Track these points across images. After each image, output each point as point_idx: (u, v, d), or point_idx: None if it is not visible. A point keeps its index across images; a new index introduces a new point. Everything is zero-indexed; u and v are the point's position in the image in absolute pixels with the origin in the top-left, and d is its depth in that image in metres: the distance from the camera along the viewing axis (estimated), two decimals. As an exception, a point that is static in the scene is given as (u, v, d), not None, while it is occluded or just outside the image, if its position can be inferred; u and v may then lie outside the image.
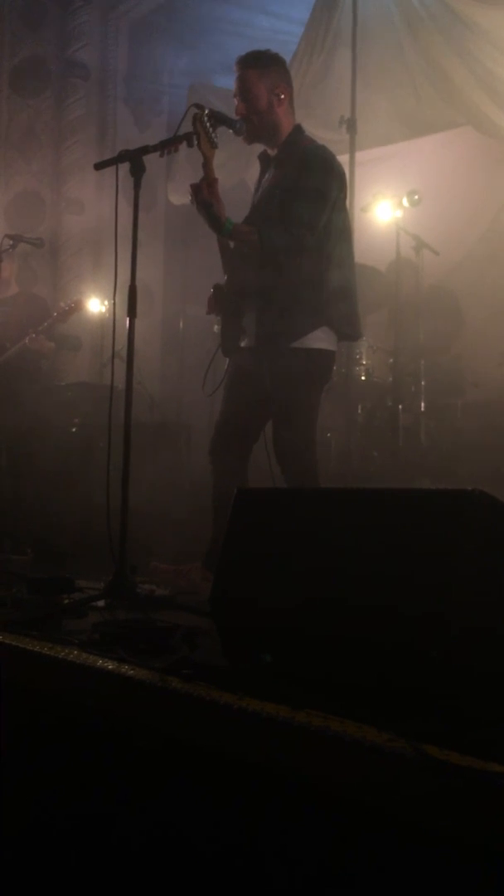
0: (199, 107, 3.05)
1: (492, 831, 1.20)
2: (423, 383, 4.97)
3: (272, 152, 3.25)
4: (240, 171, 5.56)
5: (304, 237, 3.02)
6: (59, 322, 5.32)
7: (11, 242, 5.00)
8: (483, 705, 1.54)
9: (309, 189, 3.06)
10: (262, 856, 1.48)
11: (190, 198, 3.09)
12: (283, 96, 3.17)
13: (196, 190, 3.03)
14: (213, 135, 3.02)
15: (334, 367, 4.83)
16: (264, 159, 3.31)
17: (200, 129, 2.99)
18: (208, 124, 3.01)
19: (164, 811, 1.66)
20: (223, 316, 3.29)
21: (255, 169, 3.42)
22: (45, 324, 5.23)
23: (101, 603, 2.64)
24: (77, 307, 5.38)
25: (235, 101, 3.18)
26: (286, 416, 3.12)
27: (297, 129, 3.22)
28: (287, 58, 5.58)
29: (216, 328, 3.44)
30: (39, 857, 1.85)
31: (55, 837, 1.84)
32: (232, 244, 3.18)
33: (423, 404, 4.98)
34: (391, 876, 1.31)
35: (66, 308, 5.33)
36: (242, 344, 3.21)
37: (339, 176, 3.17)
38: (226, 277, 3.25)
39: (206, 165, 3.05)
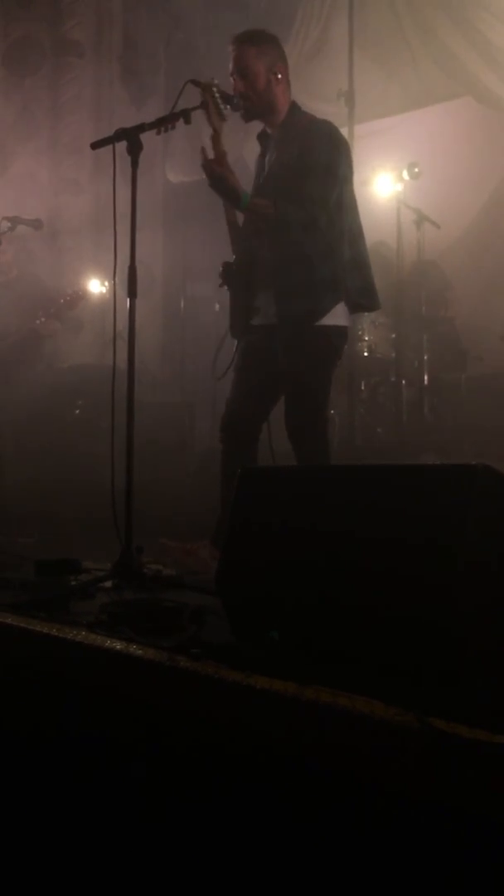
0: (196, 82, 3.02)
1: (499, 803, 1.21)
2: (425, 358, 4.96)
3: (271, 131, 3.23)
4: (238, 146, 5.50)
5: (317, 215, 3.01)
6: (66, 309, 5.31)
7: (10, 224, 4.96)
8: (489, 676, 1.54)
9: (318, 166, 3.04)
10: (270, 833, 1.49)
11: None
12: (280, 75, 3.14)
13: (208, 166, 2.97)
14: (223, 107, 2.99)
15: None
16: (264, 139, 3.28)
17: (210, 100, 2.96)
18: (217, 96, 2.97)
19: (173, 791, 1.67)
20: (231, 294, 3.25)
21: (254, 145, 3.38)
22: (53, 309, 5.21)
23: (108, 584, 2.65)
24: (83, 296, 5.37)
25: (232, 80, 3.14)
26: (301, 395, 3.11)
27: (294, 107, 3.20)
28: (285, 32, 5.54)
29: (217, 307, 3.41)
30: (43, 838, 1.87)
31: (59, 819, 1.86)
32: (241, 221, 3.14)
33: (426, 379, 4.96)
34: (399, 849, 1.32)
35: (75, 295, 5.31)
36: (255, 322, 3.19)
37: (346, 149, 3.16)
38: (234, 256, 3.21)
39: (215, 139, 3.01)
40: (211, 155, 3.01)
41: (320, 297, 3.05)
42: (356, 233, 3.15)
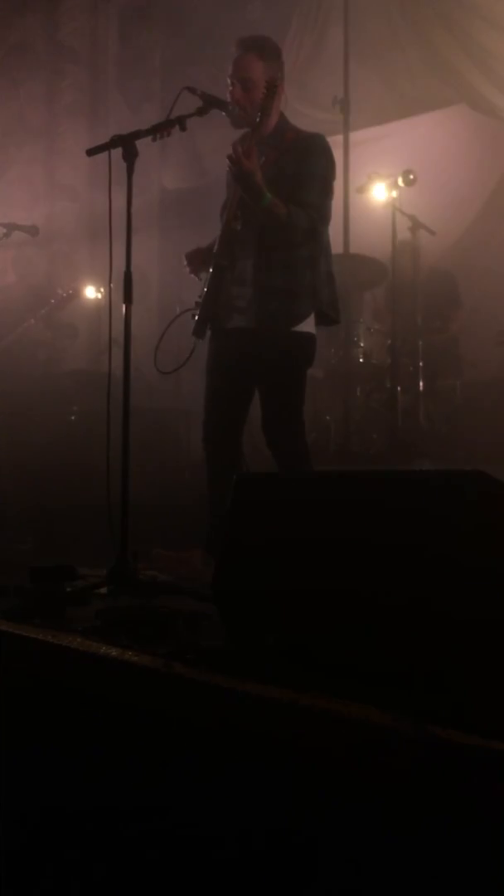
0: (192, 89, 3.03)
1: (493, 808, 1.21)
2: (421, 364, 4.96)
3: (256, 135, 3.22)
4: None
5: (316, 222, 3.05)
6: (57, 310, 5.32)
7: (5, 231, 4.97)
8: (483, 682, 1.54)
9: (316, 176, 3.09)
10: (267, 838, 1.49)
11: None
12: (279, 91, 3.14)
13: (239, 158, 2.95)
14: (270, 108, 3.02)
15: (332, 350, 4.88)
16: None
17: (269, 97, 2.99)
18: (272, 100, 3.01)
19: (168, 798, 1.66)
20: (206, 293, 3.19)
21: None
22: (44, 311, 5.22)
23: (103, 590, 2.65)
24: (75, 295, 5.37)
25: (229, 82, 3.14)
26: (279, 400, 3.13)
27: (284, 118, 3.22)
28: (280, 39, 5.56)
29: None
30: (41, 847, 1.87)
31: (57, 827, 1.85)
32: (232, 220, 3.14)
33: (421, 385, 4.97)
34: (395, 854, 1.32)
35: (65, 295, 5.32)
36: (231, 325, 3.17)
37: (335, 164, 3.21)
38: (215, 250, 3.18)
39: (253, 134, 3.04)
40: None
41: (300, 303, 3.07)
42: (328, 247, 3.20)
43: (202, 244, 3.32)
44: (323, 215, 3.09)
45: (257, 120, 3.04)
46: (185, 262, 3.30)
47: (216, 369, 3.23)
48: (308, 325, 3.12)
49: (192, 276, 3.30)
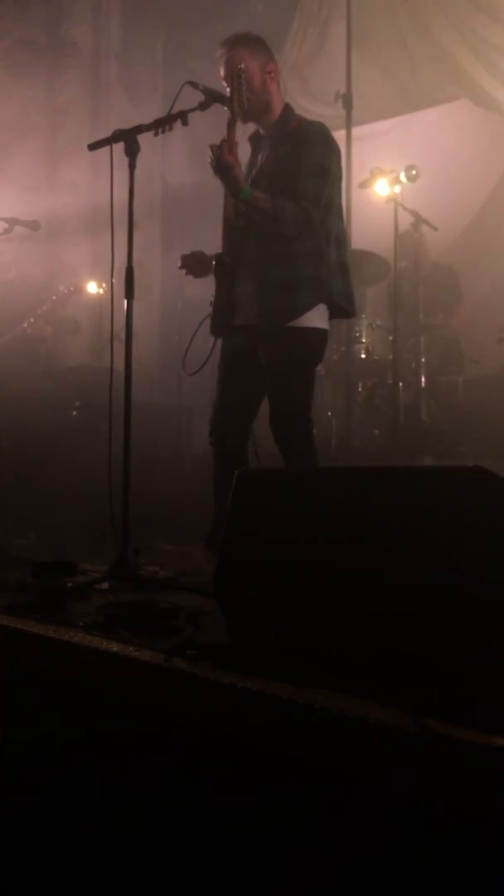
0: (194, 83, 3.03)
1: (494, 803, 1.21)
2: (423, 360, 4.96)
3: (263, 132, 3.23)
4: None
5: (312, 213, 3.01)
6: (58, 306, 5.31)
7: (7, 226, 4.96)
8: (485, 678, 1.54)
9: (312, 164, 3.04)
10: (267, 833, 1.49)
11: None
12: (273, 74, 3.15)
13: (217, 151, 2.95)
14: (245, 97, 3.00)
15: (334, 346, 4.88)
16: (255, 140, 3.28)
17: (238, 85, 2.97)
18: (244, 85, 2.98)
19: (168, 793, 1.67)
20: (215, 291, 3.23)
21: (246, 149, 3.37)
22: (44, 308, 5.21)
23: (104, 585, 2.65)
24: (77, 291, 5.37)
25: (225, 83, 3.13)
26: (284, 396, 3.12)
27: (288, 108, 3.21)
28: (283, 34, 5.55)
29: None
30: (41, 841, 1.87)
31: (56, 820, 1.86)
32: (233, 216, 3.13)
33: (423, 381, 4.97)
34: (397, 850, 1.32)
35: (66, 292, 5.31)
36: (237, 322, 3.18)
37: (337, 151, 3.17)
38: (221, 250, 3.19)
39: (232, 127, 3.02)
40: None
41: (300, 296, 3.03)
42: (341, 237, 3.17)
43: (203, 239, 3.32)
44: (318, 203, 3.03)
45: (233, 109, 3.01)
46: (180, 265, 3.30)
47: (224, 367, 3.24)
48: (312, 320, 3.06)
49: (189, 276, 3.31)
